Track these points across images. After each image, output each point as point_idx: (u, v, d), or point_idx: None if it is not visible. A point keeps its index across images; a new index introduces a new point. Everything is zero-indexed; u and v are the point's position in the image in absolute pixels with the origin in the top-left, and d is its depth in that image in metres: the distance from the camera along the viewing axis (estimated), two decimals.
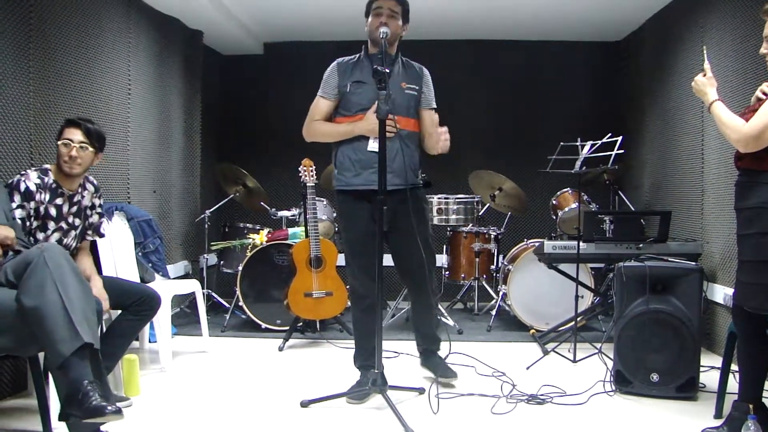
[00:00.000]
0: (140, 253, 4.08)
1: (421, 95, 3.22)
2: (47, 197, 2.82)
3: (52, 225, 2.86)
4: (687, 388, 3.12)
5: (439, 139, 3.12)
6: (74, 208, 2.94)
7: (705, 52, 2.80)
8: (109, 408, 2.11)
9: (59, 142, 2.86)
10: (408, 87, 3.16)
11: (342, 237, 3.32)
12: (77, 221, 2.97)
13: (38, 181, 2.79)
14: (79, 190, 2.99)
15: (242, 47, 6.01)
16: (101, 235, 3.22)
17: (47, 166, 2.92)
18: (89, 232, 3.13)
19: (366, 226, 3.07)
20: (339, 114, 3.19)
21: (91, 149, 2.91)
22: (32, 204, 2.76)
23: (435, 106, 3.28)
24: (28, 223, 2.77)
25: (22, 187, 2.77)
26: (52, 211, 2.85)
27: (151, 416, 2.90)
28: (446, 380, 3.26)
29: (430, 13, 5.05)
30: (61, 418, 2.20)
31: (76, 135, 2.87)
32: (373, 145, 3.02)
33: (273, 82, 6.14)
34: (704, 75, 2.66)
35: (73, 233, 2.96)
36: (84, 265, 3.02)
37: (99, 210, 3.16)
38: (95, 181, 3.14)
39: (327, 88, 3.19)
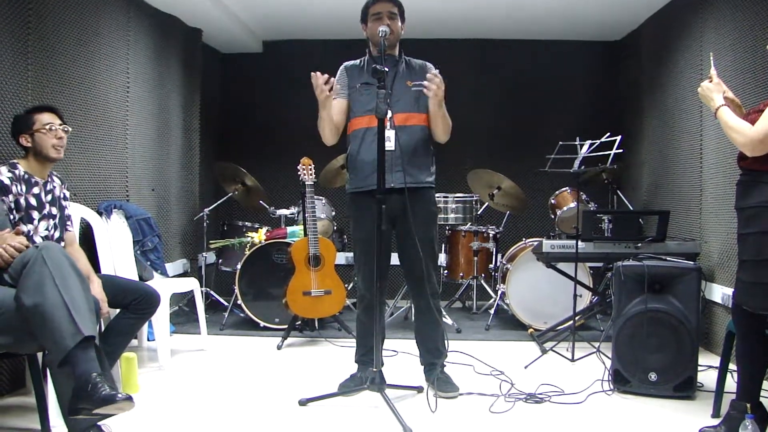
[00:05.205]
0: (139, 252, 4.08)
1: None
2: (23, 188, 2.80)
3: (36, 214, 2.84)
4: (685, 387, 3.12)
5: (431, 87, 2.93)
6: (50, 197, 2.94)
7: (712, 58, 2.81)
8: (120, 395, 2.11)
9: (43, 129, 2.82)
10: (414, 84, 3.14)
11: (351, 238, 3.31)
12: (54, 210, 2.96)
13: (10, 174, 2.76)
14: (49, 179, 2.98)
15: (241, 45, 6.00)
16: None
17: (13, 161, 2.88)
18: (69, 223, 3.11)
19: (373, 225, 3.03)
20: (350, 117, 3.20)
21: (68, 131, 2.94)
22: (11, 197, 2.75)
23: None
24: (11, 217, 2.75)
25: None
26: (33, 201, 2.84)
27: (150, 414, 2.90)
28: (447, 395, 3.16)
29: (430, 12, 5.05)
30: (70, 414, 2.18)
31: (55, 119, 2.88)
32: (387, 145, 2.95)
33: (272, 80, 6.13)
34: (710, 80, 2.67)
35: (52, 222, 2.95)
36: (79, 264, 3.00)
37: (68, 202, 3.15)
38: (58, 174, 3.12)
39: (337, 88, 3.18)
